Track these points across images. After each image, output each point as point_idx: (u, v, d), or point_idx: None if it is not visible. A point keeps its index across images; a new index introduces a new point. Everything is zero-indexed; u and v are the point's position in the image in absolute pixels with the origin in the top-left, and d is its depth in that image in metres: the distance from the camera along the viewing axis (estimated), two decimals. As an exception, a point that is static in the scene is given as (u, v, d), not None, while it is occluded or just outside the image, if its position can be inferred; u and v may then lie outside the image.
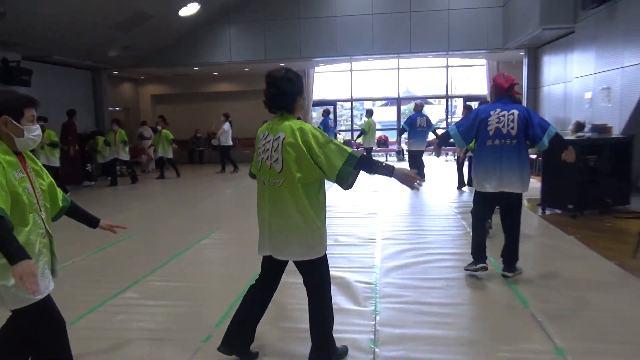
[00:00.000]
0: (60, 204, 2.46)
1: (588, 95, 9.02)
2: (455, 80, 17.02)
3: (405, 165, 11.30)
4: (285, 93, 2.55)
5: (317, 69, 15.83)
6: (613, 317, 3.35)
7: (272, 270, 2.76)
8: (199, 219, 7.20)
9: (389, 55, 13.54)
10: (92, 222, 2.62)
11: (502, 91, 4.10)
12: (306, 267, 2.64)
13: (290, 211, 2.49)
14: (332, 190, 9.40)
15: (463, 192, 9.00)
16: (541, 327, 3.18)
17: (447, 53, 13.40)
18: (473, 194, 4.42)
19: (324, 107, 13.85)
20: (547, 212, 6.90)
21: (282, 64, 13.97)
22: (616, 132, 7.59)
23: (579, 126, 8.37)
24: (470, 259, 4.24)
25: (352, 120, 17.21)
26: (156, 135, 12.64)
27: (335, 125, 15.71)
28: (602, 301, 3.63)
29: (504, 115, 3.96)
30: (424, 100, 13.42)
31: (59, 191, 2.45)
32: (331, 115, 13.85)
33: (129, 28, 11.13)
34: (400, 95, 16.92)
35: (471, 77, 17.64)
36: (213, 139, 14.12)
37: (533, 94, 12.37)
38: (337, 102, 16.96)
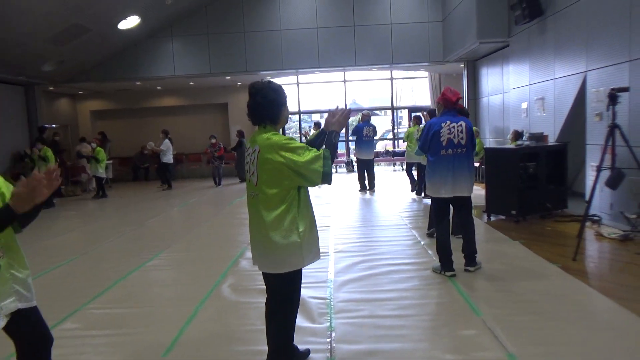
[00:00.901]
0: None
1: (524, 105, 9.48)
2: (400, 91, 17.45)
3: (354, 175, 11.40)
4: (272, 102, 2.53)
5: (263, 82, 15.77)
6: (559, 319, 3.46)
7: (266, 282, 2.74)
8: (145, 239, 6.90)
9: (334, 68, 13.71)
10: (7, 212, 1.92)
11: (451, 104, 4.47)
12: (277, 282, 2.60)
13: (265, 224, 2.48)
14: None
15: (415, 199, 9.25)
16: (493, 334, 3.23)
17: (391, 66, 13.74)
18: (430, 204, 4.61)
19: None
20: (492, 218, 7.14)
21: (228, 78, 13.86)
22: (551, 140, 8.01)
23: (518, 135, 8.78)
24: (420, 267, 4.45)
25: (300, 133, 17.23)
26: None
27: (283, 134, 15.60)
28: (548, 304, 3.75)
29: (453, 127, 4.36)
30: (371, 111, 13.64)
31: None
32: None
33: (65, 42, 10.63)
34: (348, 107, 17.10)
35: (415, 88, 18.14)
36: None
37: (473, 105, 12.88)
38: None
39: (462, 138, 4.36)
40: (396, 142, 17.12)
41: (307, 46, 13.12)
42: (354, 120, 14.89)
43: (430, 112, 7.64)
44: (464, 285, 4.24)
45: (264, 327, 2.77)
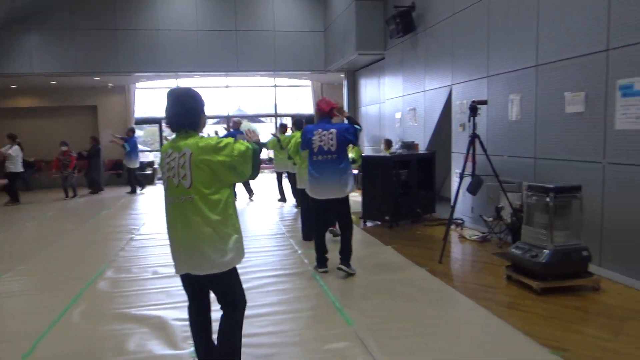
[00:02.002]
0: None
1: (398, 115, 9.96)
2: (285, 99, 17.48)
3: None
4: (191, 110, 2.57)
5: (139, 84, 14.75)
6: (427, 325, 3.53)
7: (195, 287, 2.68)
8: (-17, 261, 5.88)
9: (216, 72, 13.26)
10: None
11: (324, 114, 4.79)
12: (223, 280, 2.58)
13: (204, 225, 2.47)
14: (147, 217, 8.69)
15: (283, 205, 9.31)
16: (364, 345, 3.19)
17: (274, 73, 13.66)
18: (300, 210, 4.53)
19: (130, 127, 13.11)
20: (369, 224, 7.31)
21: (97, 78, 12.68)
22: (422, 149, 8.48)
23: (388, 143, 9.20)
24: (296, 277, 4.43)
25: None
26: None
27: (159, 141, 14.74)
28: (418, 309, 3.83)
29: (324, 135, 4.66)
30: (256, 118, 13.45)
31: None
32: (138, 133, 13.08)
33: None
34: (232, 113, 16.71)
35: (299, 96, 18.32)
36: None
37: (353, 114, 13.28)
38: (163, 120, 16.00)
39: (332, 145, 4.62)
40: (281, 149, 17.06)
41: (186, 48, 12.51)
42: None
43: (296, 122, 7.75)
44: (338, 294, 4.19)
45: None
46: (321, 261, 4.90)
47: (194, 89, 2.63)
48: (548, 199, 4.10)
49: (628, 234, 4.25)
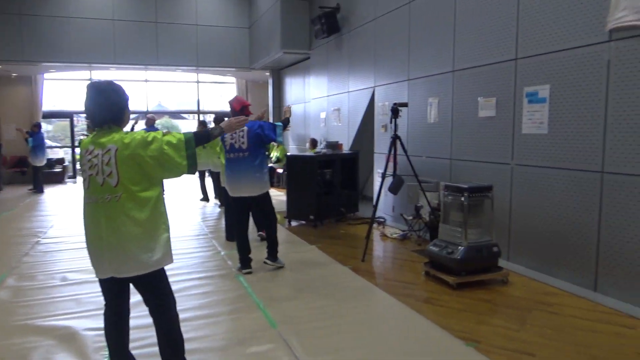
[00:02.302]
0: None
1: (323, 115, 10.06)
2: (208, 96, 17.02)
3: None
4: (115, 105, 2.45)
5: (49, 75, 13.64)
6: (351, 323, 3.58)
7: (117, 291, 2.57)
8: None
9: (134, 66, 12.61)
10: None
11: (236, 113, 4.75)
12: (153, 281, 2.49)
13: (132, 225, 2.37)
14: (57, 219, 8.09)
15: (205, 205, 9.09)
16: (288, 346, 3.16)
17: (197, 69, 13.26)
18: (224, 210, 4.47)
19: (35, 122, 12.13)
20: (293, 223, 7.31)
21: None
22: (346, 148, 8.63)
23: (314, 142, 9.28)
24: (219, 280, 4.27)
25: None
26: None
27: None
28: (342, 307, 3.88)
29: (235, 133, 4.68)
30: (177, 114, 12.97)
31: None
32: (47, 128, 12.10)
33: None
34: (151, 109, 15.97)
35: (224, 94, 17.93)
36: None
37: (278, 113, 13.25)
38: (75, 114, 14.93)
39: (243, 143, 4.68)
40: (204, 147, 16.60)
41: (101, 39, 11.79)
42: (159, 123, 13.92)
43: (217, 119, 7.75)
44: (262, 295, 4.14)
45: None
46: (244, 262, 4.82)
47: (116, 82, 2.50)
48: (463, 199, 4.33)
49: (532, 230, 4.59)
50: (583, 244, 4.08)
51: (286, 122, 5.04)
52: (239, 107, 4.79)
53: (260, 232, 6.25)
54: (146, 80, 15.15)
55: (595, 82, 3.90)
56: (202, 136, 2.54)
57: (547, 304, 3.94)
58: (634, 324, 3.52)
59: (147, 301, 2.58)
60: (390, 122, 5.66)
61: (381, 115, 7.40)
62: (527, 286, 4.38)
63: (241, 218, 4.90)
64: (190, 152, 2.43)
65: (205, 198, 9.50)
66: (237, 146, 4.69)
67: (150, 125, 9.77)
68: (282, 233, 6.67)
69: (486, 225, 4.49)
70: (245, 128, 4.68)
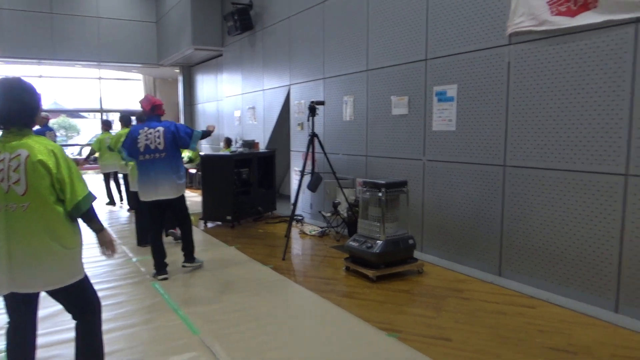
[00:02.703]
0: None
1: (237, 113, 9.88)
2: (112, 93, 16.01)
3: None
4: (27, 105, 2.28)
5: None
6: (276, 322, 3.54)
7: (22, 306, 2.37)
8: None
9: (26, 60, 11.49)
10: None
11: (148, 113, 4.64)
12: (70, 292, 2.36)
13: (41, 236, 2.21)
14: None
15: (112, 209, 8.61)
16: (212, 352, 3.04)
17: (99, 64, 12.41)
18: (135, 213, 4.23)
19: None
20: (210, 225, 7.09)
21: None
22: (262, 147, 8.54)
23: (228, 142, 9.10)
24: (132, 289, 4.04)
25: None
26: None
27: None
28: (264, 308, 3.81)
29: (150, 133, 4.51)
30: (76, 113, 12.03)
31: None
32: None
33: None
34: (46, 108, 14.68)
35: (129, 91, 16.98)
36: None
37: (189, 111, 12.80)
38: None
39: (159, 143, 4.49)
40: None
41: (-15, 28, 10.61)
42: (54, 122, 12.88)
43: (123, 119, 7.33)
44: (180, 301, 3.95)
45: None
46: (160, 267, 4.60)
47: (25, 79, 2.33)
48: (380, 194, 4.46)
49: (443, 222, 4.85)
50: (488, 233, 4.39)
51: (207, 134, 4.92)
52: (149, 107, 4.60)
53: (172, 230, 6.01)
54: (40, 76, 13.91)
55: (497, 82, 4.21)
56: (94, 212, 2.43)
57: (459, 290, 4.18)
58: (534, 304, 3.85)
59: (68, 309, 2.46)
60: (308, 120, 5.69)
61: (297, 114, 7.42)
62: (441, 275, 4.62)
63: (156, 221, 4.68)
64: (87, 203, 2.34)
65: (112, 202, 8.91)
66: (152, 147, 4.48)
67: (44, 125, 8.96)
68: (198, 235, 6.43)
69: (402, 219, 4.67)
70: (161, 128, 4.51)
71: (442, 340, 3.23)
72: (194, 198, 9.09)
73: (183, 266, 4.77)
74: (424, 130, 5.01)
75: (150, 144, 4.48)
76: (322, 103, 5.94)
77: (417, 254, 4.87)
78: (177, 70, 12.89)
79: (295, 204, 5.69)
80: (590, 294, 3.61)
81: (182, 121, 12.65)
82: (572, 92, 3.64)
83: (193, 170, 10.93)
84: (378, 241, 4.45)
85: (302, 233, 6.50)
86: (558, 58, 3.71)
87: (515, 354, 3.02)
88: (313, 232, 6.39)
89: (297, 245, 5.96)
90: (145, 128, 4.55)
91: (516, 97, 4.06)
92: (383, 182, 4.51)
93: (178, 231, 5.72)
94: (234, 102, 10.04)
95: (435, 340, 3.22)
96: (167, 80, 15.04)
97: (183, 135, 4.55)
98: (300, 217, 7.13)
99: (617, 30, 3.33)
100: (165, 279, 4.53)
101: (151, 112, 4.61)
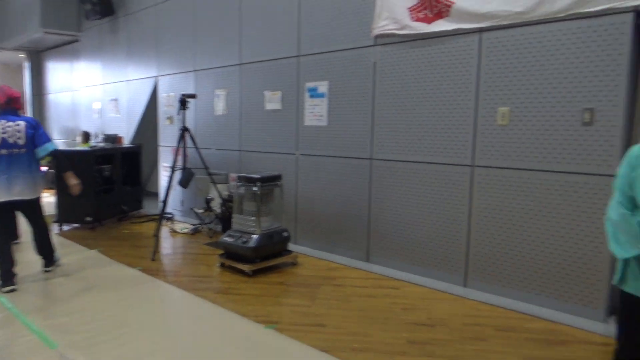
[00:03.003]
0: None
1: (97, 105, 9.08)
2: None
3: None
4: None
5: None
6: (148, 326, 3.34)
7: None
8: None
9: None
10: None
11: (3, 106, 4.24)
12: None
13: None
14: None
15: None
16: (72, 363, 2.77)
17: None
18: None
19: None
20: (66, 228, 6.42)
21: None
22: (126, 142, 7.96)
23: (86, 136, 8.35)
24: None
25: None
26: None
27: None
28: (133, 313, 3.57)
29: (10, 127, 4.13)
30: None
31: None
32: None
33: None
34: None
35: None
36: None
37: (38, 101, 11.45)
38: None
39: (19, 138, 4.14)
40: None
41: None
42: None
43: None
44: (33, 314, 3.52)
45: None
46: (8, 277, 4.05)
47: None
48: (255, 188, 4.46)
49: (315, 214, 5.03)
50: (357, 222, 4.65)
51: (59, 157, 4.74)
52: (4, 99, 4.20)
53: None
54: None
55: (365, 80, 4.47)
56: None
57: (331, 278, 4.37)
58: (397, 285, 4.18)
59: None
60: (178, 114, 5.45)
61: (166, 107, 7.06)
62: (314, 265, 4.77)
63: (8, 225, 4.25)
64: None
65: None
66: (11, 141, 4.09)
67: None
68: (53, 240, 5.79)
69: (276, 212, 4.73)
70: (22, 122, 4.16)
71: (317, 326, 3.34)
72: (46, 198, 8.13)
73: (45, 271, 4.43)
74: (296, 125, 5.12)
75: (9, 137, 4.09)
76: (193, 96, 5.73)
77: (291, 246, 4.97)
78: (23, 55, 11.41)
79: (165, 202, 5.42)
80: (444, 272, 4.03)
81: (29, 114, 11.25)
82: (429, 91, 4.02)
83: (44, 168, 9.78)
84: (253, 235, 4.44)
85: (173, 231, 6.21)
86: (417, 60, 4.07)
87: (383, 332, 3.26)
88: (185, 230, 6.15)
89: (168, 245, 5.68)
90: (3, 121, 4.14)
91: (379, 95, 4.35)
92: (258, 176, 4.52)
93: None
94: (93, 92, 9.20)
95: (311, 327, 3.32)
96: (10, 66, 13.23)
97: (37, 143, 4.21)
98: (170, 215, 6.81)
99: (465, 38, 3.76)
100: (14, 290, 3.99)
101: (6, 105, 4.21)
